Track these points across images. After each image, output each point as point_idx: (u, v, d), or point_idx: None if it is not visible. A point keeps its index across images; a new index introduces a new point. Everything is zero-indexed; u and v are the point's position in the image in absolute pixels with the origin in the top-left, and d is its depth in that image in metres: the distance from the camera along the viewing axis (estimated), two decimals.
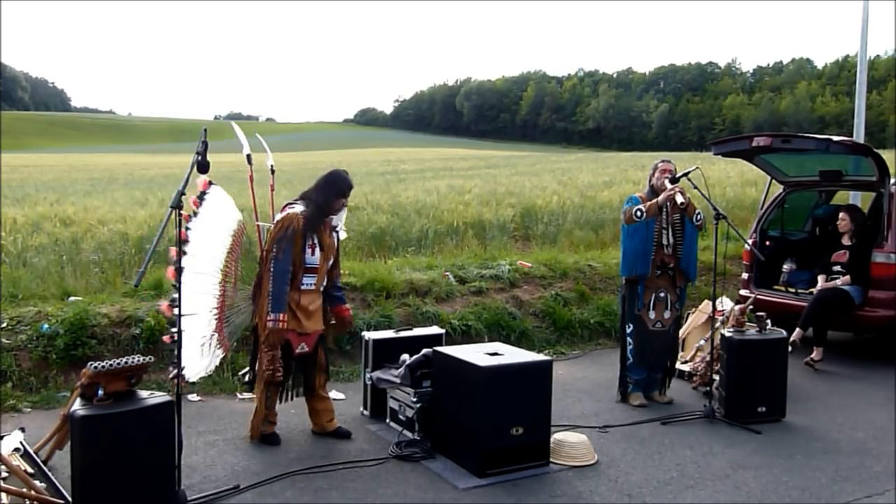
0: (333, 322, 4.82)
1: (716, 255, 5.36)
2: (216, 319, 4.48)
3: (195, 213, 4.38)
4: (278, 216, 4.55)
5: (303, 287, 4.50)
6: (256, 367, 4.60)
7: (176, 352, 3.81)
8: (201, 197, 4.44)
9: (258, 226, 4.93)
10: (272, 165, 5.18)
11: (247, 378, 5.05)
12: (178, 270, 3.88)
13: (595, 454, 4.41)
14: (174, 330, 3.84)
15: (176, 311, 3.94)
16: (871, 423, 5.16)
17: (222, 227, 4.56)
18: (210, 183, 4.58)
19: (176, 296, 4.05)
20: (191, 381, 4.52)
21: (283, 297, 4.35)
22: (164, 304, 4.12)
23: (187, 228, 4.21)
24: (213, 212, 4.48)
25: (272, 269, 4.35)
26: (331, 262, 4.66)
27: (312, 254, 4.48)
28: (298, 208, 4.49)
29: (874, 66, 73.59)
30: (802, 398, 5.67)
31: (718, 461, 4.43)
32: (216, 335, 4.50)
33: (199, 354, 4.37)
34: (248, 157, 5.08)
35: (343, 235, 4.88)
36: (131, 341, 5.86)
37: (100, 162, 49.37)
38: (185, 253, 4.14)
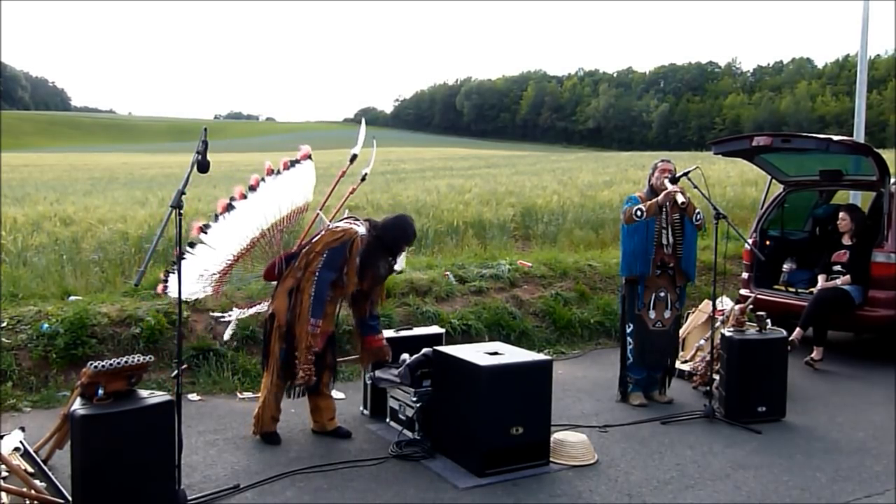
0: (367, 350, 4.84)
1: (716, 254, 5.35)
2: (227, 265, 4.56)
3: (278, 172, 4.64)
4: (340, 224, 4.60)
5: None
6: (269, 360, 4.60)
7: (177, 352, 3.82)
8: (293, 163, 4.71)
9: (317, 213, 4.97)
10: (366, 173, 5.23)
11: (228, 336, 5.24)
12: (229, 206, 4.35)
13: (595, 454, 4.41)
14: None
15: (203, 235, 4.29)
16: (871, 423, 5.17)
17: (288, 196, 4.67)
18: (309, 156, 4.80)
19: (209, 223, 4.35)
20: (168, 293, 4.65)
21: (322, 304, 4.42)
22: (195, 227, 4.33)
23: (262, 180, 4.53)
24: (292, 181, 4.68)
25: (318, 276, 4.41)
26: (365, 287, 4.64)
27: (349, 275, 4.50)
28: (361, 229, 4.53)
29: (874, 66, 73.54)
30: (802, 398, 5.67)
31: (718, 461, 4.43)
32: (216, 276, 4.57)
33: (191, 279, 4.46)
34: (354, 156, 5.11)
35: (399, 267, 4.93)
36: (131, 341, 5.86)
37: (100, 161, 49.36)
38: (245, 197, 4.48)
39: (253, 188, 4.56)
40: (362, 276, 4.55)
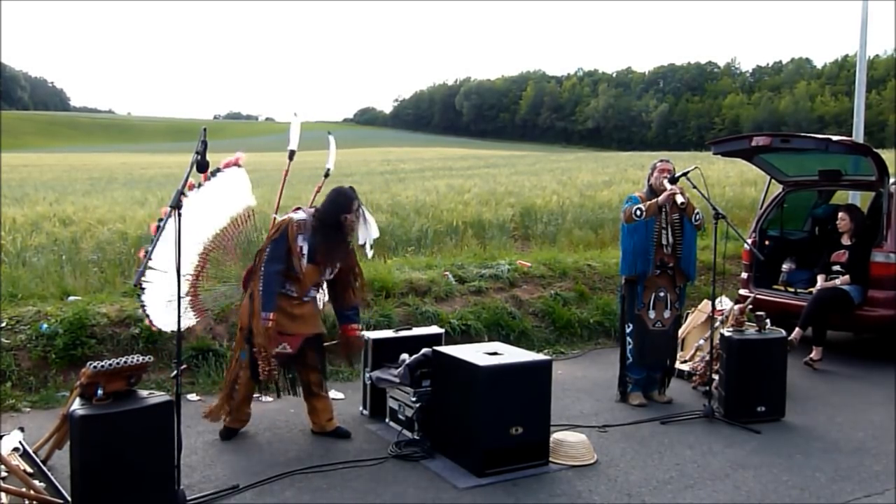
0: (343, 341, 4.81)
1: (715, 254, 5.36)
2: (190, 286, 4.63)
3: (199, 185, 4.62)
4: (279, 218, 4.63)
5: (285, 292, 4.51)
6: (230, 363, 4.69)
7: (176, 352, 3.83)
8: (214, 173, 4.67)
9: (273, 218, 4.97)
10: (329, 169, 5.22)
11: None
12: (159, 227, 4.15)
13: (594, 454, 4.41)
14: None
15: (149, 262, 4.10)
16: (870, 423, 5.17)
17: (222, 207, 4.68)
18: (237, 164, 4.78)
19: (149, 247, 4.20)
20: (157, 328, 4.73)
21: (272, 298, 4.40)
22: (140, 253, 4.38)
23: (184, 194, 4.20)
24: (219, 191, 4.66)
25: (262, 270, 4.42)
26: (327, 275, 4.61)
27: (297, 262, 4.46)
28: (299, 215, 4.53)
29: (873, 66, 73.54)
30: (802, 398, 5.67)
31: (718, 461, 4.43)
32: (188, 298, 4.62)
33: (164, 308, 4.50)
34: (292, 153, 5.11)
35: (363, 241, 4.78)
36: (130, 341, 5.85)
37: (99, 161, 49.35)
38: (171, 215, 4.39)
39: (178, 206, 4.53)
40: (315, 260, 4.49)
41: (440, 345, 4.91)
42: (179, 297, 3.81)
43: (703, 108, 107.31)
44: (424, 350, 4.74)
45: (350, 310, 4.78)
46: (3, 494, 3.45)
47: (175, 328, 4.70)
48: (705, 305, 6.37)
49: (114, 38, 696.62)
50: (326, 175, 5.24)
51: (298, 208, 4.66)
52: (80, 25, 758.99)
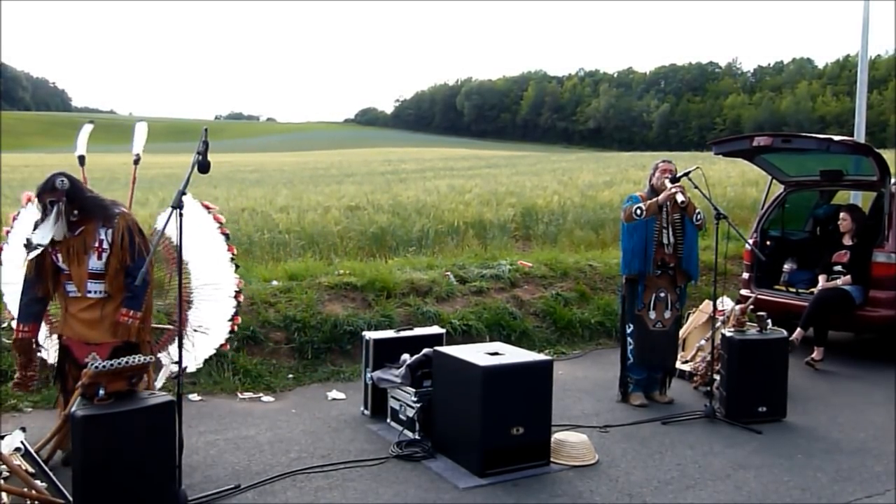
0: None
1: (716, 254, 5.36)
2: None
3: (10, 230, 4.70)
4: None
5: (69, 294, 4.11)
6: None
7: (177, 351, 3.83)
8: (15, 218, 4.73)
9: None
10: (138, 154, 4.98)
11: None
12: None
13: (595, 454, 4.41)
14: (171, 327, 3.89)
15: None
16: (871, 423, 5.16)
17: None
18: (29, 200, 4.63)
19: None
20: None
21: (22, 307, 4.15)
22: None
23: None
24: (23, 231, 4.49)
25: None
26: (93, 263, 4.06)
27: (56, 259, 4.07)
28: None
29: (875, 66, 73.38)
30: (803, 398, 5.66)
31: (719, 461, 4.43)
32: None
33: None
34: (137, 157, 4.95)
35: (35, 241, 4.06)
36: None
37: (100, 162, 49.22)
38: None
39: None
40: (69, 250, 4.08)
41: (441, 345, 4.91)
42: (181, 298, 3.80)
43: (705, 109, 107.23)
44: (425, 350, 4.74)
45: (128, 293, 4.11)
46: (4, 494, 3.46)
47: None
48: (706, 306, 6.37)
49: (115, 38, 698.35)
50: (136, 161, 4.98)
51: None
52: (81, 26, 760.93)
